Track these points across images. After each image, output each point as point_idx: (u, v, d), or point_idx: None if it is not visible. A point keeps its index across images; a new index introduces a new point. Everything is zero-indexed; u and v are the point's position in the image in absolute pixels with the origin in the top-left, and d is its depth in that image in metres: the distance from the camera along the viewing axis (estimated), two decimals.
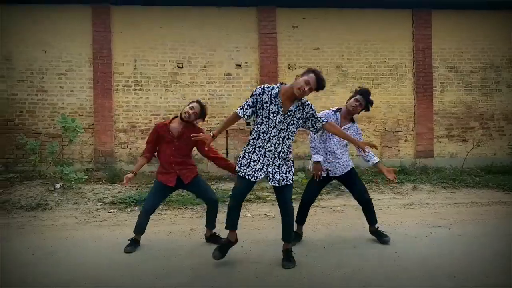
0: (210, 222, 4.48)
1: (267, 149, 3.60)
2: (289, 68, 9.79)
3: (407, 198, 6.93)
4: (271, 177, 3.65)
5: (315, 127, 3.71)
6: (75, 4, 9.11)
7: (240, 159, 3.71)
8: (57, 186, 7.34)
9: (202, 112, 4.40)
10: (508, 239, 4.53)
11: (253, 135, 3.65)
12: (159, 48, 9.37)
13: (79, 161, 9.11)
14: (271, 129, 3.56)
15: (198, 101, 4.44)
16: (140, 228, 4.35)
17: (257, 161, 3.63)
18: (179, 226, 5.31)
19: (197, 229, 5.10)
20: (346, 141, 4.37)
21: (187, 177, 4.36)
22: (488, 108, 10.17)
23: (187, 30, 9.41)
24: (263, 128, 3.57)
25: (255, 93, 3.58)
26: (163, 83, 9.38)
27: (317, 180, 4.37)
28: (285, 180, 3.67)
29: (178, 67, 9.44)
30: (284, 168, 3.67)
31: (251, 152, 3.65)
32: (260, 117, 3.57)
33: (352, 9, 9.85)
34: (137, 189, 7.79)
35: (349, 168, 4.46)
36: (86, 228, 5.25)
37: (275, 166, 3.64)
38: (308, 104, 3.65)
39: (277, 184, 3.66)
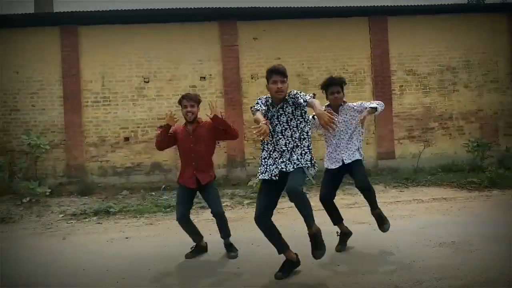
0: (222, 232, 4.47)
1: (277, 149, 3.62)
2: (252, 78, 10.19)
3: (354, 198, 7.26)
4: (283, 168, 3.57)
5: (303, 100, 3.50)
6: (44, 26, 9.58)
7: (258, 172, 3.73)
8: (25, 200, 7.73)
9: (197, 100, 4.46)
10: (409, 233, 4.88)
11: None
12: (125, 65, 9.80)
13: (53, 176, 9.49)
14: (274, 132, 3.62)
15: (184, 97, 4.44)
16: (191, 236, 4.45)
17: (269, 159, 3.64)
18: (125, 233, 5.67)
19: (132, 236, 5.47)
20: (350, 133, 4.37)
21: (203, 179, 4.36)
22: (447, 108, 10.52)
23: (152, 45, 9.84)
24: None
25: (258, 102, 3.67)
26: (130, 98, 9.80)
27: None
28: (296, 164, 3.55)
29: (145, 82, 9.86)
30: (295, 155, 3.58)
31: (266, 157, 3.67)
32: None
33: (311, 19, 10.26)
34: (103, 200, 8.17)
35: (355, 159, 4.36)
36: (38, 238, 5.62)
37: (286, 158, 3.58)
38: (293, 94, 3.60)
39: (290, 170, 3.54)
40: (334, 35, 10.27)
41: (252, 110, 3.68)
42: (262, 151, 3.72)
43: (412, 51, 10.44)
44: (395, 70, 10.39)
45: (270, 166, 3.60)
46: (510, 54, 10.66)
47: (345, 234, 4.48)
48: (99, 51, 9.74)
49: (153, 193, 8.69)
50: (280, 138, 3.59)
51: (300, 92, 3.59)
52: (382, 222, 4.36)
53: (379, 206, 4.41)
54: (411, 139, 10.41)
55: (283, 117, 3.60)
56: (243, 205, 7.24)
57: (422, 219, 5.69)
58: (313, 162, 3.65)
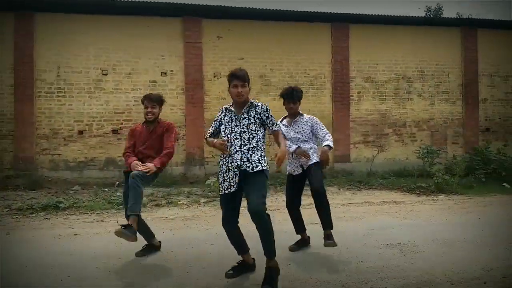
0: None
1: (233, 153, 3.58)
2: (214, 76, 10.15)
3: (310, 199, 7.37)
4: (243, 165, 3.53)
5: (272, 129, 3.71)
6: None
7: (220, 184, 3.69)
8: None
9: (158, 101, 4.41)
10: (359, 235, 5.05)
11: (221, 154, 3.69)
12: (83, 55, 9.48)
13: None
14: (230, 136, 3.63)
15: (146, 97, 4.40)
16: (142, 234, 4.33)
17: (229, 172, 3.59)
18: (74, 230, 5.47)
19: (82, 233, 5.29)
20: (304, 140, 4.51)
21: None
22: (401, 116, 10.97)
23: (112, 37, 9.59)
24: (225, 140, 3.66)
25: (217, 116, 3.79)
26: (87, 90, 9.49)
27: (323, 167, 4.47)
28: (255, 166, 3.51)
29: (103, 74, 9.57)
30: (255, 156, 3.56)
31: (224, 170, 3.63)
32: (222, 132, 3.74)
33: (276, 22, 10.38)
34: (52, 195, 7.85)
35: (311, 162, 4.46)
36: None
37: (245, 158, 3.55)
38: (259, 105, 3.70)
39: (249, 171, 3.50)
40: (297, 39, 10.43)
41: (206, 140, 3.83)
42: (221, 166, 3.69)
43: (371, 58, 10.80)
44: (354, 77, 10.70)
45: (233, 179, 3.55)
46: (462, 67, 11.27)
47: (304, 241, 4.59)
48: (56, 39, 9.37)
49: (106, 189, 8.48)
50: (237, 139, 3.61)
51: (271, 117, 3.71)
52: (329, 239, 4.32)
53: (331, 223, 4.41)
54: (366, 144, 10.75)
55: (245, 121, 3.63)
56: (199, 204, 7.18)
57: (372, 221, 5.89)
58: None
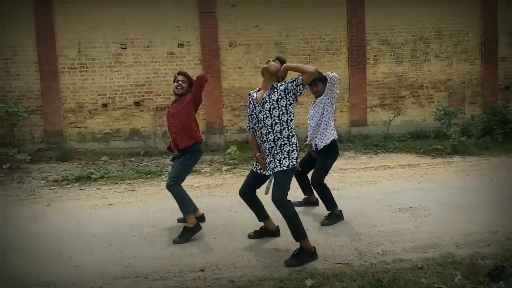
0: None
1: (262, 143, 3.71)
2: (230, 46, 10.25)
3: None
4: (269, 167, 3.72)
5: (298, 86, 3.55)
6: None
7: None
8: (5, 167, 7.85)
9: (188, 77, 4.55)
10: (373, 199, 5.35)
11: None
12: (102, 30, 9.68)
13: (30, 142, 9.53)
14: (256, 123, 3.73)
15: (179, 73, 4.56)
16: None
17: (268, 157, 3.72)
18: (108, 200, 5.94)
19: (116, 203, 5.75)
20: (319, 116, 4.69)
21: (181, 143, 4.44)
22: (418, 77, 10.93)
23: (128, 11, 9.71)
24: (254, 127, 3.80)
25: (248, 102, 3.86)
26: (107, 64, 9.76)
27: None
28: (278, 166, 3.60)
29: (122, 48, 9.80)
30: (279, 155, 3.62)
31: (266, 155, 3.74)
32: (251, 120, 3.84)
33: None
34: (83, 166, 8.36)
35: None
36: (22, 205, 5.83)
37: (271, 156, 3.66)
38: (281, 84, 3.65)
39: (270, 172, 3.70)
40: (312, 4, 10.34)
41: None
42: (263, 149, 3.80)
43: (387, 21, 10.65)
44: (370, 40, 10.63)
45: (269, 164, 3.70)
46: (481, 25, 11.01)
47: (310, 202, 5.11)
48: (75, 16, 9.55)
49: (132, 159, 8.93)
50: (270, 133, 3.62)
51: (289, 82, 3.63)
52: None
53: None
54: (382, 107, 10.83)
55: (267, 105, 3.61)
56: (222, 172, 7.56)
57: (386, 185, 6.17)
58: (292, 151, 3.65)
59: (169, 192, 4.41)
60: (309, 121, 4.82)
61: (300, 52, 10.42)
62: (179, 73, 4.60)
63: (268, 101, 3.60)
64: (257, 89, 3.84)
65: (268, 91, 3.64)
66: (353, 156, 8.44)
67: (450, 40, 10.95)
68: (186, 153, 4.45)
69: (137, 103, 9.88)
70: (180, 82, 4.51)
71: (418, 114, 11.01)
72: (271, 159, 3.67)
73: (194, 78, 4.48)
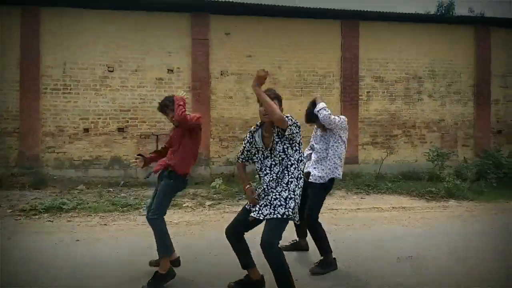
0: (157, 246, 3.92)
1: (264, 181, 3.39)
2: (221, 74, 9.99)
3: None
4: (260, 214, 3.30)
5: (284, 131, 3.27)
6: (3, 5, 8.94)
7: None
8: None
9: (163, 108, 4.16)
10: (369, 245, 4.92)
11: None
12: (89, 51, 9.35)
13: (4, 166, 8.92)
14: (262, 162, 3.44)
15: (159, 104, 4.20)
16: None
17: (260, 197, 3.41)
18: (76, 234, 5.38)
19: (84, 238, 5.20)
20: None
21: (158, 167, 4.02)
22: (411, 116, 10.75)
23: (119, 33, 9.44)
24: (258, 166, 3.49)
25: (246, 137, 3.56)
26: (92, 87, 9.37)
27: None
28: (272, 213, 3.24)
29: (109, 71, 9.45)
30: (273, 194, 3.29)
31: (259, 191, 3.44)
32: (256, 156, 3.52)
33: (284, 18, 10.16)
34: (56, 195, 7.77)
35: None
36: None
37: (266, 200, 3.32)
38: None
39: (261, 217, 3.29)
40: (306, 36, 10.22)
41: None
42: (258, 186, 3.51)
43: (382, 57, 10.56)
44: (363, 76, 10.48)
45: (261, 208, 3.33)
46: (474, 66, 10.99)
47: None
48: (62, 35, 9.24)
49: (111, 189, 8.39)
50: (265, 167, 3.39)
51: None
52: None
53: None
54: (374, 145, 10.56)
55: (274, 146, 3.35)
56: (205, 207, 7.06)
57: (381, 230, 5.75)
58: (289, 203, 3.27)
59: (148, 227, 3.90)
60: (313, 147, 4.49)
61: (292, 84, 10.19)
62: (160, 109, 4.25)
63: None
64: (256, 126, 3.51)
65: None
66: (344, 195, 8.04)
67: (444, 80, 10.88)
68: (170, 178, 3.93)
69: (120, 129, 9.43)
70: (168, 117, 4.20)
71: (410, 154, 10.76)
72: (267, 203, 3.29)
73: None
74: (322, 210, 4.50)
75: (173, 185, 3.99)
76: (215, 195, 7.79)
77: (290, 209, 3.22)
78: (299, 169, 3.35)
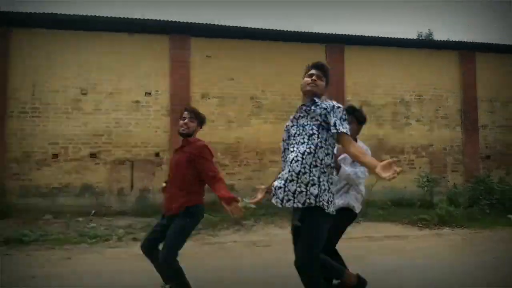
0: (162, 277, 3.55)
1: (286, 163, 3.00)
2: (202, 97, 9.56)
3: None
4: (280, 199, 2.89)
5: (334, 127, 2.87)
6: None
7: None
8: None
9: (197, 116, 3.74)
10: None
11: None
12: (61, 74, 8.83)
13: None
14: (286, 142, 3.13)
15: (186, 109, 3.78)
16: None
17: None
18: (32, 270, 4.70)
19: (40, 276, 4.52)
20: None
21: (171, 206, 3.53)
22: (399, 142, 10.43)
23: (94, 55, 8.98)
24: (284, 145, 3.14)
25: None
26: (63, 110, 8.79)
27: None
28: (291, 201, 2.83)
29: (82, 94, 8.91)
30: (294, 185, 2.84)
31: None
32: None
33: (267, 41, 9.90)
34: (18, 226, 7.05)
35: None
36: None
37: (284, 180, 2.90)
38: (320, 104, 3.00)
39: (279, 205, 2.87)
40: (290, 60, 9.92)
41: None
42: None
43: (367, 81, 10.32)
44: (349, 100, 10.18)
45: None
46: (460, 91, 10.85)
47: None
48: (32, 56, 8.73)
49: (80, 219, 7.70)
50: (293, 151, 2.95)
51: (340, 112, 2.95)
52: None
53: None
54: None
55: (302, 120, 3.00)
56: None
57: (376, 262, 5.22)
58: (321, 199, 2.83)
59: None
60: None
61: (276, 108, 9.81)
62: (186, 109, 3.77)
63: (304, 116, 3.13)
64: None
65: None
66: None
67: (431, 104, 10.68)
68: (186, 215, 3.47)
69: (92, 155, 8.80)
70: (186, 120, 3.66)
71: (399, 180, 10.26)
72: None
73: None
74: None
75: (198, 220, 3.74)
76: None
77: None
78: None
